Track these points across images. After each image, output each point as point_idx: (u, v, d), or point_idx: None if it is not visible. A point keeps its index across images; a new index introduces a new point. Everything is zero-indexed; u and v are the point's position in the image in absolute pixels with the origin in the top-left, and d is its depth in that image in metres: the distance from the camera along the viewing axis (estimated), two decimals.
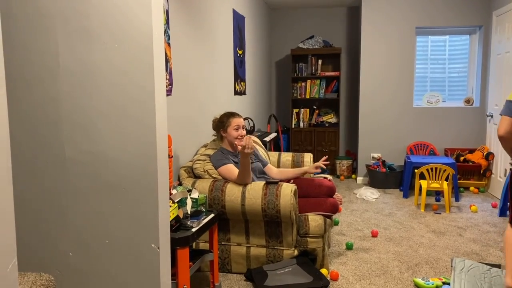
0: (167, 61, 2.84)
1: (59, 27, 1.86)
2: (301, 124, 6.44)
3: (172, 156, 2.61)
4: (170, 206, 2.22)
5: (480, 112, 5.53)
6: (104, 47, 1.84)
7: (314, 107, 6.49)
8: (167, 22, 2.84)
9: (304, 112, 6.44)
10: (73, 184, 1.93)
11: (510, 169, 2.75)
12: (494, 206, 4.56)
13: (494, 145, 5.17)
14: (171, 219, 2.18)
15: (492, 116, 5.25)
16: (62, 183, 1.94)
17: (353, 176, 6.13)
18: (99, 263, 1.96)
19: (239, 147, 2.70)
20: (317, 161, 6.18)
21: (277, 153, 4.02)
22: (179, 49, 3.09)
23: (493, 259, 3.21)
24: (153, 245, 1.94)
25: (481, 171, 5.22)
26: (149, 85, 1.84)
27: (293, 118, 6.44)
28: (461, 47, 5.77)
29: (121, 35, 1.83)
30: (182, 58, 3.14)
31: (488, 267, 2.07)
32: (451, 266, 2.10)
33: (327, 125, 6.39)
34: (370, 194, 5.05)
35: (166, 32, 2.82)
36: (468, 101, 5.63)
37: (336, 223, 4.03)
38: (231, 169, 2.89)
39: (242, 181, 2.80)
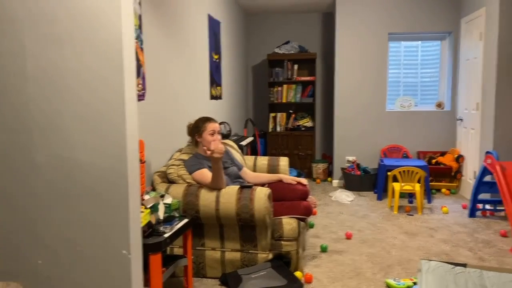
0: (140, 66, 2.82)
1: (28, 31, 1.84)
2: (278, 128, 6.49)
3: (144, 161, 2.59)
4: (142, 211, 2.21)
5: (451, 115, 5.68)
6: (74, 52, 1.83)
7: (291, 111, 6.55)
8: (140, 27, 2.83)
9: (281, 116, 6.49)
10: (43, 189, 1.91)
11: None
12: (464, 207, 4.68)
13: (464, 148, 5.31)
14: (143, 224, 2.17)
15: (462, 120, 5.40)
16: (31, 189, 1.91)
17: (329, 179, 6.21)
18: (69, 271, 1.94)
19: (208, 152, 2.70)
20: (293, 165, 6.24)
21: (253, 157, 4.04)
22: (153, 54, 3.09)
23: (462, 259, 3.29)
24: (124, 252, 1.93)
25: (452, 173, 5.35)
26: (119, 90, 1.83)
27: (270, 122, 6.48)
28: (432, 52, 5.92)
29: (90, 39, 1.82)
30: (156, 63, 3.13)
31: (452, 266, 2.13)
32: (419, 269, 2.16)
33: (303, 129, 6.46)
34: (345, 196, 5.12)
35: (139, 37, 2.81)
36: (439, 105, 5.78)
37: (311, 226, 4.07)
38: (205, 174, 2.90)
39: (215, 186, 2.80)
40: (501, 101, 4.44)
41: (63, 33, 1.82)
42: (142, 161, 2.53)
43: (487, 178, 4.33)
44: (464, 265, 2.21)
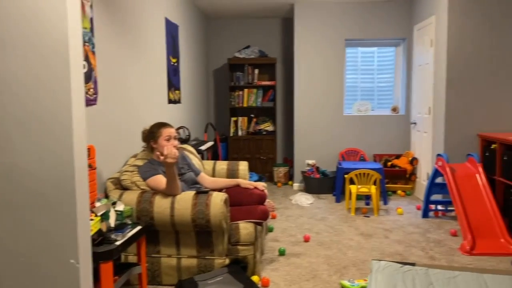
0: (91, 70, 2.76)
1: None
2: (240, 133, 6.50)
3: (95, 168, 2.53)
4: (92, 219, 2.16)
5: (405, 119, 5.88)
6: (18, 56, 1.77)
7: (252, 115, 6.58)
8: (91, 30, 2.77)
9: (242, 121, 6.51)
10: None
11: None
12: (418, 208, 4.84)
13: (418, 151, 5.50)
14: (92, 233, 2.12)
15: (415, 124, 5.60)
16: None
17: (290, 182, 6.27)
18: (14, 283, 1.86)
19: (161, 157, 2.67)
20: (255, 169, 6.26)
21: (213, 162, 4.03)
22: (107, 58, 3.02)
23: (414, 258, 3.40)
24: (72, 261, 1.88)
25: (407, 175, 5.53)
26: (65, 95, 1.78)
27: (232, 127, 6.48)
28: (388, 58, 6.11)
29: (35, 43, 1.77)
30: (110, 66, 3.07)
31: (401, 265, 2.20)
32: (370, 269, 2.21)
33: (264, 133, 6.50)
34: (305, 199, 5.19)
35: (90, 40, 2.75)
36: (394, 109, 5.97)
37: (271, 230, 4.09)
38: (160, 180, 2.86)
39: (170, 192, 2.77)
40: (451, 106, 4.63)
41: (5, 37, 1.76)
42: (92, 167, 2.47)
43: (439, 180, 4.50)
44: (413, 264, 2.29)
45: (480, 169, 4.09)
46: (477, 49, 4.58)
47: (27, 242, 1.84)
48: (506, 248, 3.53)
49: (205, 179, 3.37)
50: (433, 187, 4.48)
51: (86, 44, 2.69)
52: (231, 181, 3.35)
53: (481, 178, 4.03)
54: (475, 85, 4.62)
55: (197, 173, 3.35)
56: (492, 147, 4.33)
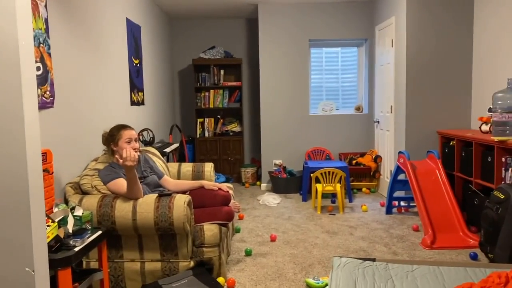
0: (47, 71, 2.68)
1: None
2: (206, 134, 6.47)
3: (52, 172, 2.46)
4: (49, 225, 2.09)
5: (369, 118, 6.00)
6: None
7: (219, 116, 6.56)
8: (46, 30, 2.69)
9: (209, 122, 6.48)
10: None
11: None
12: (382, 205, 4.95)
13: (381, 149, 5.63)
14: (49, 239, 2.05)
15: (378, 122, 5.72)
16: None
17: (258, 183, 6.29)
18: None
19: (120, 161, 2.62)
20: (222, 170, 6.24)
21: (178, 164, 3.99)
22: (64, 59, 2.94)
23: (377, 254, 3.48)
24: (27, 269, 1.81)
25: (371, 173, 5.65)
26: (16, 99, 1.72)
27: (198, 128, 6.44)
28: (351, 58, 6.22)
29: None
30: (67, 68, 2.99)
31: (361, 261, 2.25)
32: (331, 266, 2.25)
33: (231, 134, 6.49)
34: (272, 199, 5.21)
35: (45, 41, 2.67)
36: (358, 109, 6.08)
37: (238, 231, 4.09)
38: (121, 184, 2.80)
39: (132, 196, 2.72)
40: (411, 104, 4.77)
41: None
42: (49, 172, 2.39)
43: (401, 177, 4.62)
44: (373, 260, 2.34)
45: (440, 165, 4.22)
46: (435, 49, 4.73)
47: None
48: (464, 241, 3.66)
49: (169, 182, 3.33)
50: (395, 184, 4.59)
51: (41, 45, 2.61)
52: (195, 183, 3.33)
53: (440, 174, 4.16)
54: (434, 83, 4.77)
55: (160, 176, 3.31)
56: (451, 143, 4.48)
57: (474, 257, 3.34)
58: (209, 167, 3.97)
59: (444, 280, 2.05)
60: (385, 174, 5.47)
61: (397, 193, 4.73)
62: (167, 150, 4.74)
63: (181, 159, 6.25)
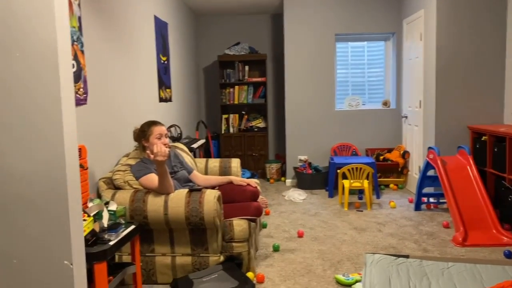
0: (81, 69, 2.74)
1: None
2: (231, 130, 6.49)
3: (87, 168, 2.51)
4: (85, 220, 2.14)
5: (396, 113, 5.90)
6: (5, 56, 1.74)
7: (243, 112, 6.57)
8: (79, 29, 2.74)
9: (234, 118, 6.50)
10: None
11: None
12: (410, 201, 4.88)
13: (409, 144, 5.54)
14: (86, 233, 2.10)
15: (406, 117, 5.63)
16: None
17: (282, 178, 6.28)
18: (7, 285, 1.84)
19: (151, 156, 2.66)
20: (247, 166, 6.26)
21: (205, 159, 4.02)
22: (96, 57, 3.00)
23: (407, 251, 3.43)
24: (66, 262, 1.86)
25: (399, 169, 5.56)
26: (55, 95, 1.76)
27: (223, 124, 6.47)
28: (378, 52, 6.13)
29: (22, 43, 1.74)
30: (99, 65, 3.04)
31: (395, 257, 2.22)
32: (364, 262, 2.22)
33: (256, 130, 6.49)
34: (298, 195, 5.20)
35: (79, 39, 2.72)
36: (385, 104, 5.99)
37: (264, 226, 4.10)
38: (152, 179, 2.84)
39: (163, 190, 2.76)
40: (441, 99, 4.67)
41: None
42: (84, 168, 2.44)
43: (430, 173, 4.54)
44: (407, 256, 2.31)
45: (471, 161, 4.12)
46: (466, 42, 4.61)
47: (19, 244, 1.82)
48: (497, 238, 3.57)
49: (198, 177, 3.36)
50: (425, 180, 4.51)
51: (75, 43, 2.66)
52: (224, 179, 3.35)
53: (472, 170, 4.07)
54: (464, 78, 4.66)
55: (190, 171, 3.34)
56: (482, 139, 4.37)
57: (508, 255, 3.25)
58: (236, 162, 3.98)
59: (482, 278, 2.01)
60: (413, 170, 5.38)
61: (426, 189, 4.64)
62: (194, 146, 4.78)
63: (206, 155, 6.30)
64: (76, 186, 1.90)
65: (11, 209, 1.81)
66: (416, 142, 5.30)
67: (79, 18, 2.75)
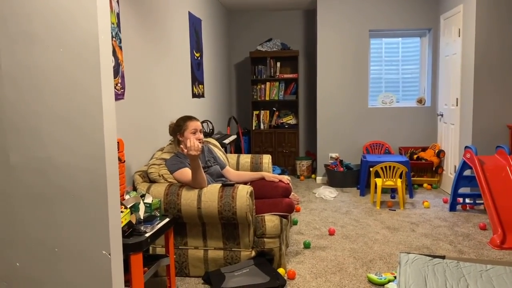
0: (119, 64, 2.80)
1: (0, 30, 1.80)
2: (262, 126, 6.49)
3: (124, 161, 2.57)
4: (122, 211, 2.19)
5: (432, 111, 5.76)
6: (48, 51, 1.80)
7: (274, 109, 6.57)
8: (118, 25, 2.81)
9: (264, 114, 6.50)
10: (20, 191, 1.87)
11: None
12: (445, 202, 4.76)
13: (445, 143, 5.40)
14: (123, 224, 2.16)
15: (442, 115, 5.48)
16: (7, 191, 1.88)
17: (313, 176, 6.24)
18: (49, 272, 1.91)
19: (185, 150, 2.69)
20: (277, 163, 6.25)
21: (236, 155, 4.04)
22: (132, 52, 3.06)
23: (442, 252, 3.35)
24: (104, 252, 1.91)
25: (433, 168, 5.43)
26: (96, 89, 1.81)
27: (254, 120, 6.49)
28: (413, 49, 5.99)
29: (65, 38, 1.79)
30: (135, 61, 3.11)
31: (430, 258, 2.17)
32: (398, 262, 2.19)
33: (287, 126, 6.48)
34: (329, 193, 5.16)
35: (117, 35, 2.78)
36: (420, 101, 5.86)
37: (295, 223, 4.09)
38: (186, 173, 2.88)
39: (196, 185, 2.80)
40: (479, 97, 4.52)
41: (38, 32, 1.79)
42: (121, 161, 2.51)
43: (467, 173, 4.41)
44: (443, 257, 2.26)
45: (511, 161, 3.98)
46: (507, 38, 4.45)
47: (61, 233, 1.88)
48: None
49: (230, 173, 3.39)
50: (460, 180, 4.39)
51: (114, 39, 2.72)
52: (256, 174, 3.36)
53: (511, 171, 3.93)
54: (504, 75, 4.49)
55: (222, 166, 3.37)
56: None
57: None
58: (267, 159, 3.99)
59: None
60: (449, 169, 5.24)
61: (462, 190, 4.52)
62: (226, 141, 4.82)
63: (237, 150, 6.33)
64: (115, 178, 1.95)
65: (53, 200, 1.87)
66: (452, 141, 5.16)
67: (118, 14, 2.81)
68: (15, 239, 1.90)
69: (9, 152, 1.87)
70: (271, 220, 2.93)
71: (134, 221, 2.26)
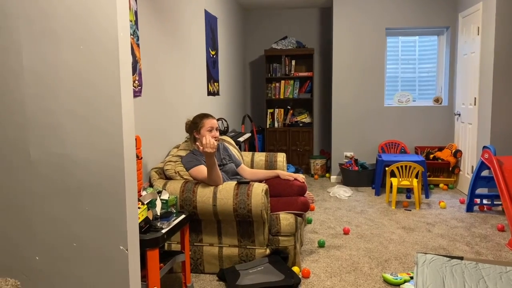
0: (136, 62, 2.82)
1: (23, 28, 1.83)
2: (276, 124, 6.49)
3: (141, 157, 2.59)
4: (139, 207, 2.21)
5: (449, 110, 5.69)
6: (69, 49, 1.82)
7: (288, 107, 6.55)
8: (136, 22, 2.83)
9: (279, 112, 6.49)
10: (39, 186, 1.91)
11: None
12: (462, 202, 4.69)
13: (462, 143, 5.32)
14: (140, 220, 2.17)
15: (459, 115, 5.41)
16: (27, 186, 1.91)
17: (327, 175, 6.21)
18: (67, 266, 1.94)
19: (200, 148, 2.71)
20: (291, 161, 6.24)
21: (251, 153, 4.04)
22: (149, 50, 3.08)
23: (459, 253, 3.31)
24: (121, 247, 1.93)
25: (450, 168, 5.36)
26: (115, 86, 1.83)
27: (268, 118, 6.48)
28: (430, 47, 5.92)
29: (86, 36, 1.81)
30: (152, 59, 3.13)
31: (448, 258, 2.14)
32: (415, 262, 2.17)
33: (301, 125, 6.46)
34: (343, 192, 5.13)
35: (135, 33, 2.81)
36: (437, 100, 5.78)
37: (309, 222, 4.08)
38: (201, 171, 2.90)
39: (212, 182, 2.81)
40: (498, 96, 4.45)
41: (59, 29, 1.82)
42: (139, 157, 2.52)
43: (485, 173, 4.34)
44: (461, 258, 2.23)
45: None
46: None
47: (79, 228, 1.91)
48: None
49: (245, 171, 3.39)
50: (478, 180, 4.32)
51: (131, 36, 2.74)
52: (271, 173, 3.36)
53: None
54: None
55: (237, 164, 3.38)
56: None
57: None
58: (281, 157, 3.98)
59: None
60: (466, 169, 5.16)
61: (479, 190, 4.45)
62: (240, 139, 4.82)
63: (251, 148, 6.34)
64: (132, 174, 1.96)
65: (72, 195, 1.90)
66: (469, 140, 5.08)
67: (136, 12, 2.83)
68: (35, 233, 1.93)
69: (30, 147, 1.90)
70: (286, 219, 2.93)
71: (151, 217, 2.28)
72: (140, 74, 2.88)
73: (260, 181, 3.27)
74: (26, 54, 1.84)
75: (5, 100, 1.87)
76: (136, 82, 2.83)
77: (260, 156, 4.00)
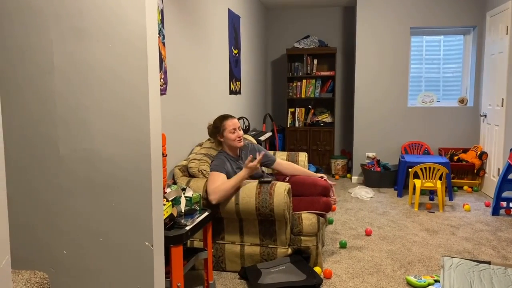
0: (161, 60, 2.85)
1: (52, 26, 1.86)
2: (297, 124, 6.46)
3: (166, 155, 2.62)
4: (164, 204, 2.23)
5: (474, 112, 5.57)
6: (98, 46, 1.85)
7: (310, 106, 6.52)
8: (161, 21, 2.85)
9: (300, 112, 6.47)
10: (68, 182, 1.94)
11: None
12: (487, 205, 4.59)
13: (488, 145, 5.21)
14: (165, 217, 2.19)
15: (485, 116, 5.29)
16: (56, 181, 1.95)
17: (348, 175, 6.16)
18: (93, 261, 1.97)
19: (250, 164, 2.78)
20: (312, 161, 6.21)
21: (272, 152, 4.03)
22: (174, 48, 3.11)
23: (485, 257, 3.23)
24: (147, 243, 1.95)
25: (475, 171, 5.25)
26: (143, 84, 1.85)
27: (289, 118, 6.46)
28: (455, 47, 5.80)
29: (114, 34, 1.84)
30: (177, 57, 3.15)
31: (476, 263, 2.10)
32: (441, 265, 2.13)
33: (322, 124, 6.42)
34: (365, 193, 5.08)
35: (160, 31, 2.83)
36: (462, 101, 5.67)
37: (331, 222, 4.05)
38: (217, 178, 2.82)
39: (213, 194, 2.75)
40: None
41: (89, 27, 1.84)
42: (164, 155, 2.55)
43: (511, 176, 4.24)
44: (488, 263, 2.18)
45: None
46: None
47: (106, 223, 1.94)
48: None
49: (282, 164, 3.39)
50: (505, 183, 4.22)
51: (158, 35, 2.77)
52: (310, 174, 3.34)
53: None
54: None
55: (273, 160, 3.36)
56: None
57: None
58: (303, 156, 3.96)
59: None
60: (491, 172, 5.05)
61: (506, 194, 4.34)
62: (262, 138, 4.82)
63: (271, 147, 6.33)
64: (158, 172, 1.98)
65: (99, 191, 1.93)
66: (496, 142, 4.97)
67: (162, 11, 2.86)
68: (63, 228, 1.97)
69: (59, 143, 1.93)
70: (308, 218, 2.91)
71: (175, 214, 2.30)
72: (165, 73, 2.91)
73: (283, 178, 3.26)
74: (55, 52, 1.87)
75: (35, 97, 1.91)
76: (162, 80, 2.85)
77: (282, 156, 3.98)
